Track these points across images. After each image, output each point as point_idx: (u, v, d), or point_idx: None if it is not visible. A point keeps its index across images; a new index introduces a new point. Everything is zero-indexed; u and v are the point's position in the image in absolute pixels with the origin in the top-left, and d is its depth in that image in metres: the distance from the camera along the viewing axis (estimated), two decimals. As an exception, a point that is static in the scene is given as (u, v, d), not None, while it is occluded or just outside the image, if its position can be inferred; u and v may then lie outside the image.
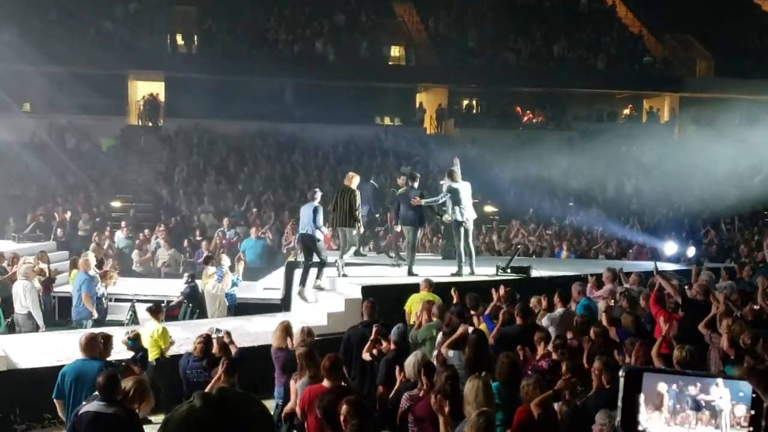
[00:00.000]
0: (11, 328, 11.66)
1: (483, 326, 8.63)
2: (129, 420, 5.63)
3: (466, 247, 12.05)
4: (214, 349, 7.95)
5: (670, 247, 17.03)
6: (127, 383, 5.89)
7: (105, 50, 27.51)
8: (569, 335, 8.22)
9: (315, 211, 11.51)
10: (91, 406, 5.63)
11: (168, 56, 29.73)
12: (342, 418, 5.40)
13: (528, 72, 31.80)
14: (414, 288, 10.46)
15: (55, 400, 6.95)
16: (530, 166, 25.71)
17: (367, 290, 10.85)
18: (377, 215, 13.35)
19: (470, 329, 7.95)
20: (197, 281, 13.13)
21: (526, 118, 34.07)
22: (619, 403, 1.44)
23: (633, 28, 36.51)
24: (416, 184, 12.59)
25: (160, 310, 9.57)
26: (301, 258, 14.01)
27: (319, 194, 11.95)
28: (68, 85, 27.68)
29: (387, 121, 33.84)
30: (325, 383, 6.38)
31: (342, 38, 31.23)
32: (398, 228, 13.03)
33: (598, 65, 32.85)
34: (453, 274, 11.90)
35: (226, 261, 13.21)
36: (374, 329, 8.20)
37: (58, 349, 9.36)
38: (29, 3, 27.64)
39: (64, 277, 14.06)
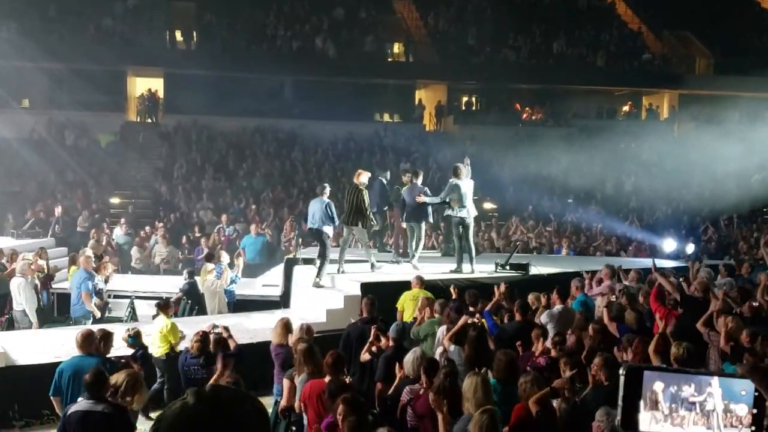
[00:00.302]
0: (10, 325, 11.65)
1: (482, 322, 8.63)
2: (118, 416, 5.62)
3: (466, 245, 12.05)
4: (211, 345, 7.96)
5: (669, 244, 17.04)
6: (119, 377, 5.89)
7: (104, 47, 27.50)
8: (568, 332, 8.22)
9: (327, 206, 11.62)
10: (79, 405, 5.63)
11: (167, 52, 29.69)
12: (339, 416, 5.41)
13: (527, 69, 31.79)
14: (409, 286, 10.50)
15: (52, 397, 6.95)
16: (529, 163, 25.69)
17: (366, 287, 10.85)
18: (385, 209, 13.33)
19: (470, 320, 7.98)
20: (196, 278, 13.11)
21: (525, 115, 34.04)
22: (620, 402, 1.43)
23: (632, 25, 36.49)
24: (419, 181, 12.57)
25: (169, 305, 9.62)
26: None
27: (328, 189, 12.05)
28: (67, 82, 27.69)
29: (386, 117, 33.80)
30: (327, 380, 6.40)
31: (341, 35, 31.20)
32: (403, 225, 13.07)
33: (597, 62, 32.83)
34: (452, 271, 11.91)
35: (225, 258, 13.20)
36: (373, 330, 8.20)
37: (56, 346, 9.36)
38: (29, 0, 27.61)
39: (63, 273, 14.04)
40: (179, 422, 1.47)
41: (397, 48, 33.60)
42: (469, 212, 11.87)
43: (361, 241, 12.27)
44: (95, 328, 8.07)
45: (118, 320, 12.20)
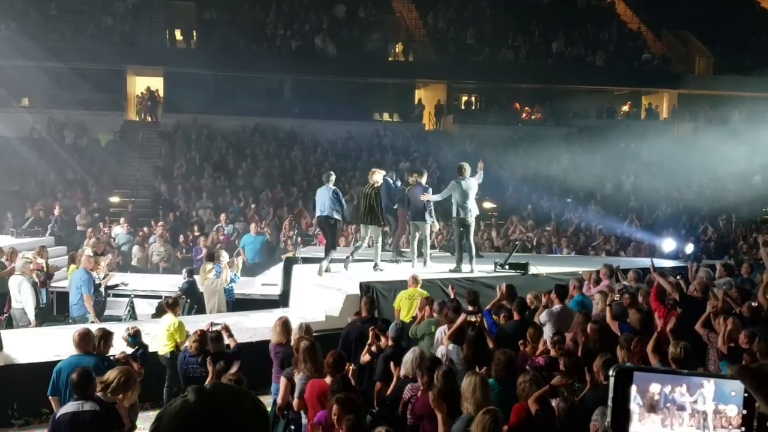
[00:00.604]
0: (8, 323, 11.65)
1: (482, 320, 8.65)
2: (106, 414, 5.62)
3: (466, 244, 12.06)
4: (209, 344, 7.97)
5: (668, 244, 17.04)
6: (111, 374, 5.89)
7: (104, 46, 27.50)
8: (567, 332, 8.23)
9: (335, 194, 11.81)
10: (68, 407, 5.63)
11: (167, 52, 29.69)
12: (334, 416, 5.42)
13: (527, 68, 31.77)
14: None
15: (50, 396, 6.95)
16: (529, 163, 25.71)
17: (365, 286, 10.86)
18: (395, 208, 13.38)
19: (469, 318, 8.00)
20: (195, 277, 13.12)
21: (524, 115, 34.06)
22: (609, 403, 1.42)
23: (632, 24, 36.49)
24: (423, 180, 12.58)
25: (177, 304, 9.65)
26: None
27: (333, 177, 12.18)
28: (67, 81, 27.70)
29: (386, 117, 33.80)
30: (328, 380, 6.41)
31: (341, 34, 31.19)
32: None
33: (596, 62, 32.82)
34: (452, 271, 11.92)
35: (224, 257, 13.21)
36: (371, 332, 8.21)
37: (56, 345, 9.35)
38: (29, -1, 27.69)
39: (63, 272, 14.05)
40: (180, 419, 1.48)
41: (396, 47, 33.57)
42: (470, 212, 11.86)
43: (374, 239, 12.30)
44: (94, 327, 8.07)
45: (118, 319, 12.22)
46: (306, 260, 13.65)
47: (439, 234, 16.60)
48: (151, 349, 8.80)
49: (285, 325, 8.14)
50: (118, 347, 8.02)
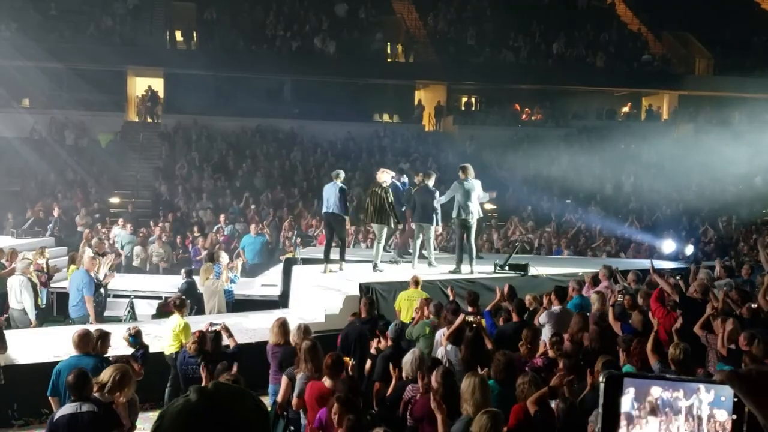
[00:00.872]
0: (7, 325, 11.63)
1: (482, 321, 8.65)
2: (105, 414, 5.62)
3: (467, 245, 12.06)
4: (208, 344, 7.99)
5: (668, 245, 17.04)
6: (106, 373, 5.89)
7: (104, 46, 27.54)
8: (566, 333, 8.23)
9: (341, 191, 11.95)
10: (65, 408, 5.63)
11: (167, 52, 29.72)
12: (335, 416, 5.42)
13: (527, 69, 31.79)
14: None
15: (50, 397, 6.96)
16: (529, 164, 25.71)
17: (365, 287, 10.87)
18: (403, 209, 13.42)
19: (468, 319, 8.01)
20: (194, 277, 13.13)
21: (524, 116, 34.09)
22: (600, 410, 1.42)
23: (632, 25, 36.51)
24: (431, 182, 12.57)
25: (184, 305, 9.67)
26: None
27: (342, 174, 12.37)
28: (67, 81, 27.71)
29: (386, 118, 33.83)
30: (326, 381, 6.42)
31: (341, 35, 31.21)
32: (412, 225, 13.14)
33: (597, 63, 32.85)
34: (451, 272, 11.93)
35: (224, 257, 13.23)
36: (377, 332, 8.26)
37: (56, 345, 9.36)
38: (29, -1, 27.71)
39: (63, 273, 14.05)
40: (182, 418, 1.49)
41: (396, 48, 33.59)
42: (472, 213, 11.86)
43: (378, 238, 12.33)
44: (93, 327, 8.08)
45: (118, 320, 12.22)
46: (306, 261, 13.66)
47: (439, 235, 16.60)
48: (154, 350, 8.83)
49: (283, 326, 8.15)
50: (119, 348, 8.04)
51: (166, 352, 9.10)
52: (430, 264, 12.42)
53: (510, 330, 8.52)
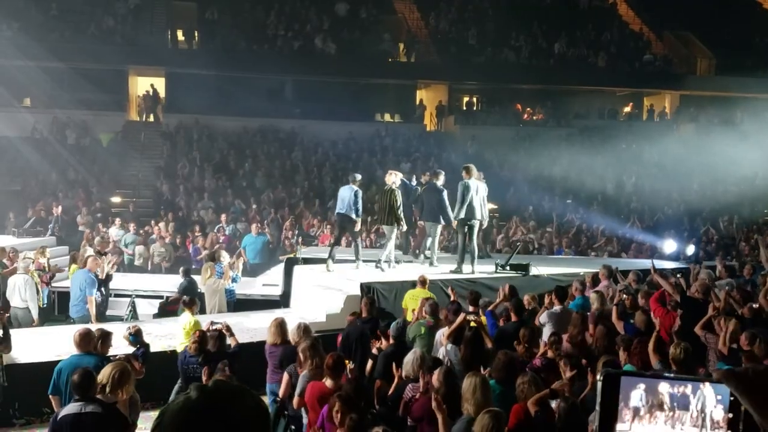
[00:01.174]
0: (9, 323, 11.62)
1: (483, 319, 8.67)
2: (109, 415, 5.62)
3: (469, 245, 12.07)
4: (210, 344, 8.00)
5: (669, 246, 17.03)
6: (104, 373, 5.89)
7: (106, 46, 27.57)
8: (566, 333, 8.24)
9: (356, 194, 12.01)
10: (70, 408, 5.61)
11: (168, 52, 29.73)
12: (336, 415, 5.43)
13: (528, 69, 31.78)
14: (411, 286, 10.55)
15: (51, 396, 6.96)
16: (530, 164, 25.71)
17: (366, 287, 10.88)
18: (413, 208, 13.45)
19: (469, 318, 8.02)
20: (193, 276, 13.15)
21: (526, 116, 34.08)
22: (597, 408, 1.44)
23: (634, 25, 36.50)
24: (439, 182, 12.56)
25: (194, 302, 9.71)
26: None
27: (358, 177, 12.39)
28: (69, 81, 27.71)
29: (387, 117, 33.83)
30: (327, 382, 6.42)
31: (342, 34, 31.21)
32: (421, 224, 13.18)
33: (598, 63, 32.84)
34: (452, 272, 11.93)
35: (225, 257, 13.24)
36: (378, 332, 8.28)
37: (57, 344, 9.37)
38: (30, -1, 27.71)
39: (64, 272, 14.06)
40: (182, 416, 1.49)
41: (398, 48, 33.58)
42: (475, 213, 11.86)
43: (387, 239, 12.38)
44: (94, 327, 8.09)
45: (119, 319, 12.23)
46: (307, 261, 13.67)
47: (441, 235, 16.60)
48: (156, 348, 8.84)
49: (280, 326, 8.17)
50: (120, 347, 8.04)
51: (179, 350, 9.10)
52: (431, 264, 12.44)
53: (511, 329, 8.51)
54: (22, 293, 11.56)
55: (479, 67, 31.26)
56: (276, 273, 14.82)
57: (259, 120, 28.97)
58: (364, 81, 31.57)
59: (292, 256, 14.42)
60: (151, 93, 29.83)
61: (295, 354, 7.32)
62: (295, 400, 6.79)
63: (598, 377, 1.44)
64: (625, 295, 9.69)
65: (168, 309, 12.75)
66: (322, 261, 12.64)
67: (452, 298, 9.74)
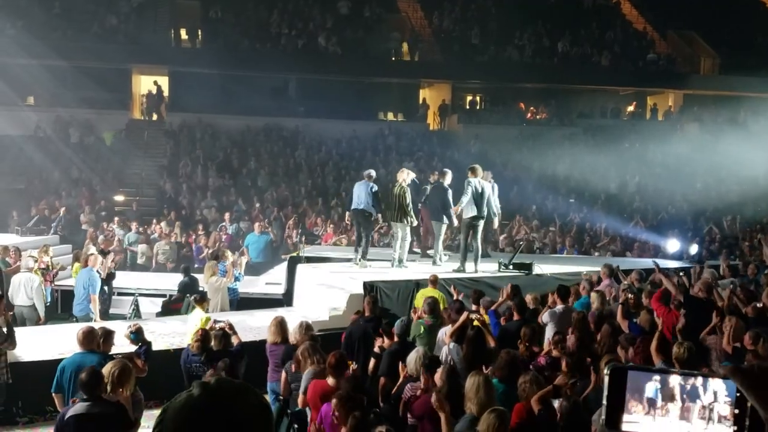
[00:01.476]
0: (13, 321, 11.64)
1: (486, 318, 8.67)
2: (116, 414, 5.62)
3: (472, 244, 12.06)
4: (213, 343, 8.00)
5: (672, 245, 17.00)
6: (105, 369, 5.89)
7: (109, 44, 27.59)
8: (569, 331, 8.22)
9: (372, 189, 12.18)
10: (76, 408, 5.61)
11: (172, 51, 29.77)
12: (338, 413, 5.43)
13: (532, 68, 31.75)
14: (414, 285, 10.54)
15: (54, 394, 6.97)
16: (533, 163, 25.68)
17: (369, 286, 10.87)
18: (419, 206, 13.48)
19: (472, 316, 8.02)
20: (193, 275, 13.18)
21: (529, 115, 34.07)
22: (604, 402, 1.46)
23: (637, 24, 36.45)
24: (446, 180, 12.56)
25: (205, 299, 9.76)
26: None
27: (373, 174, 12.60)
28: (72, 79, 27.73)
29: (390, 116, 33.82)
30: (329, 380, 6.43)
31: (346, 33, 31.20)
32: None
33: (602, 62, 32.79)
34: (455, 270, 11.93)
35: (230, 256, 13.25)
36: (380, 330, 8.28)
37: (60, 342, 9.38)
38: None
39: (67, 270, 14.09)
40: (184, 413, 1.49)
41: (401, 47, 33.58)
42: (479, 213, 11.86)
43: (402, 237, 12.40)
44: (97, 325, 8.09)
45: (122, 317, 12.24)
46: (310, 260, 13.67)
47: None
48: (158, 347, 8.83)
49: (280, 324, 8.19)
50: (123, 346, 8.05)
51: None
52: (434, 263, 12.44)
53: (513, 328, 8.51)
54: (27, 291, 11.59)
55: (482, 66, 31.25)
56: (279, 272, 14.82)
57: (263, 119, 28.98)
58: (368, 80, 31.57)
59: (295, 254, 14.43)
60: (155, 91, 29.86)
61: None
62: (300, 399, 6.80)
63: (605, 372, 1.46)
64: (630, 294, 9.67)
65: (171, 307, 12.76)
66: (325, 260, 12.66)
67: (455, 297, 9.74)
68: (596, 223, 20.63)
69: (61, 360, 7.22)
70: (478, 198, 11.76)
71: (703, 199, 24.10)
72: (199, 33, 31.15)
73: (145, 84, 30.83)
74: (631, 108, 36.23)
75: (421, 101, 33.51)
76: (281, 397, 7.47)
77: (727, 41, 33.67)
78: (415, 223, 12.80)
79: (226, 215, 19.68)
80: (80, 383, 5.69)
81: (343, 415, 5.42)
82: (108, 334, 7.33)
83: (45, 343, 9.70)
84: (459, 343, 7.79)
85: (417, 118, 32.52)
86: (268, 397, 7.85)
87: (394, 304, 10.75)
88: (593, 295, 9.67)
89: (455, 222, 12.18)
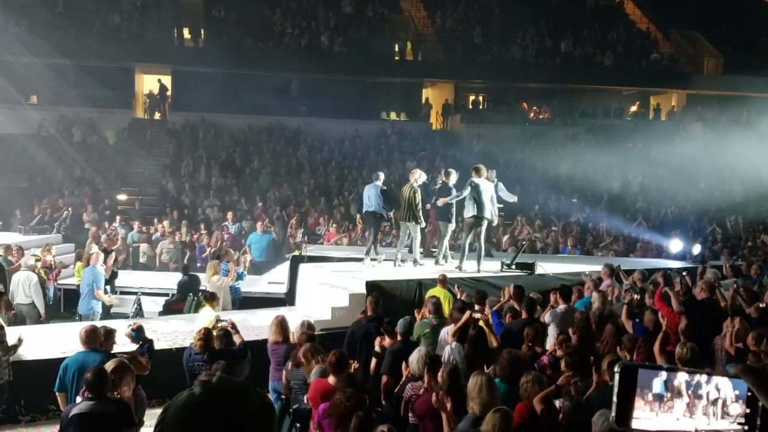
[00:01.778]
0: (14, 320, 11.65)
1: (488, 318, 8.66)
2: (118, 413, 5.63)
3: (476, 244, 12.05)
4: (216, 342, 8.01)
5: (675, 245, 16.99)
6: (106, 369, 5.89)
7: (112, 43, 27.64)
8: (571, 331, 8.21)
9: (383, 192, 12.48)
10: (80, 406, 5.61)
11: (175, 50, 29.79)
12: (339, 412, 5.42)
13: (535, 68, 31.73)
14: (416, 284, 10.54)
15: (57, 393, 6.97)
16: (536, 162, 25.65)
17: (371, 285, 10.86)
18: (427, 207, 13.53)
19: (475, 316, 8.01)
20: (193, 274, 13.18)
21: (532, 114, 34.03)
22: (614, 399, 1.47)
23: (640, 24, 36.41)
24: (451, 181, 12.59)
25: (214, 297, 9.77)
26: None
27: (382, 176, 12.87)
28: (75, 78, 27.77)
29: (393, 116, 33.81)
30: (330, 379, 6.43)
31: (349, 33, 31.19)
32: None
33: (605, 61, 32.76)
34: (455, 268, 11.93)
35: (233, 256, 13.28)
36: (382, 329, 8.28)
37: (63, 341, 9.39)
38: (37, -4, 27.78)
39: (70, 269, 14.09)
40: (186, 411, 1.49)
41: (404, 46, 33.56)
42: (483, 213, 11.85)
43: (413, 237, 12.44)
44: (99, 324, 8.10)
45: (125, 316, 12.24)
46: (312, 259, 13.68)
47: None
48: (160, 346, 8.83)
49: (281, 324, 8.21)
50: (125, 345, 8.05)
51: None
52: (437, 262, 12.46)
53: (516, 328, 8.49)
54: (25, 289, 11.62)
55: (485, 65, 31.23)
56: (281, 271, 14.82)
57: (265, 118, 28.99)
58: (371, 79, 31.57)
59: (297, 254, 14.43)
60: (158, 90, 29.88)
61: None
62: (307, 398, 6.82)
63: (615, 369, 1.47)
64: (635, 295, 9.66)
65: (173, 307, 12.76)
66: (328, 259, 12.69)
67: (458, 297, 9.73)
68: (599, 223, 20.60)
69: (63, 359, 7.22)
70: (479, 198, 11.75)
71: (706, 199, 24.07)
72: (202, 32, 31.18)
73: (148, 83, 30.86)
74: (634, 108, 36.19)
75: (423, 101, 33.49)
76: (283, 396, 7.47)
77: (731, 41, 33.62)
78: (423, 224, 12.83)
79: (229, 214, 19.67)
80: (86, 382, 5.69)
81: (335, 423, 5.44)
82: (110, 333, 7.34)
83: (47, 342, 9.70)
84: (461, 343, 7.78)
85: (420, 118, 32.51)
86: (270, 396, 7.85)
87: (396, 303, 10.73)
88: (594, 294, 9.66)
89: (453, 224, 12.30)
